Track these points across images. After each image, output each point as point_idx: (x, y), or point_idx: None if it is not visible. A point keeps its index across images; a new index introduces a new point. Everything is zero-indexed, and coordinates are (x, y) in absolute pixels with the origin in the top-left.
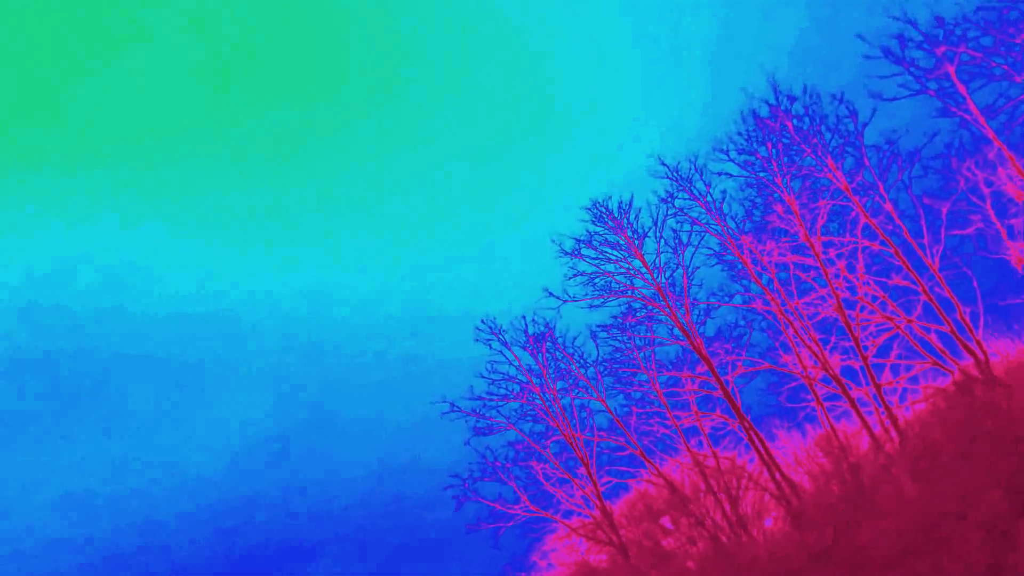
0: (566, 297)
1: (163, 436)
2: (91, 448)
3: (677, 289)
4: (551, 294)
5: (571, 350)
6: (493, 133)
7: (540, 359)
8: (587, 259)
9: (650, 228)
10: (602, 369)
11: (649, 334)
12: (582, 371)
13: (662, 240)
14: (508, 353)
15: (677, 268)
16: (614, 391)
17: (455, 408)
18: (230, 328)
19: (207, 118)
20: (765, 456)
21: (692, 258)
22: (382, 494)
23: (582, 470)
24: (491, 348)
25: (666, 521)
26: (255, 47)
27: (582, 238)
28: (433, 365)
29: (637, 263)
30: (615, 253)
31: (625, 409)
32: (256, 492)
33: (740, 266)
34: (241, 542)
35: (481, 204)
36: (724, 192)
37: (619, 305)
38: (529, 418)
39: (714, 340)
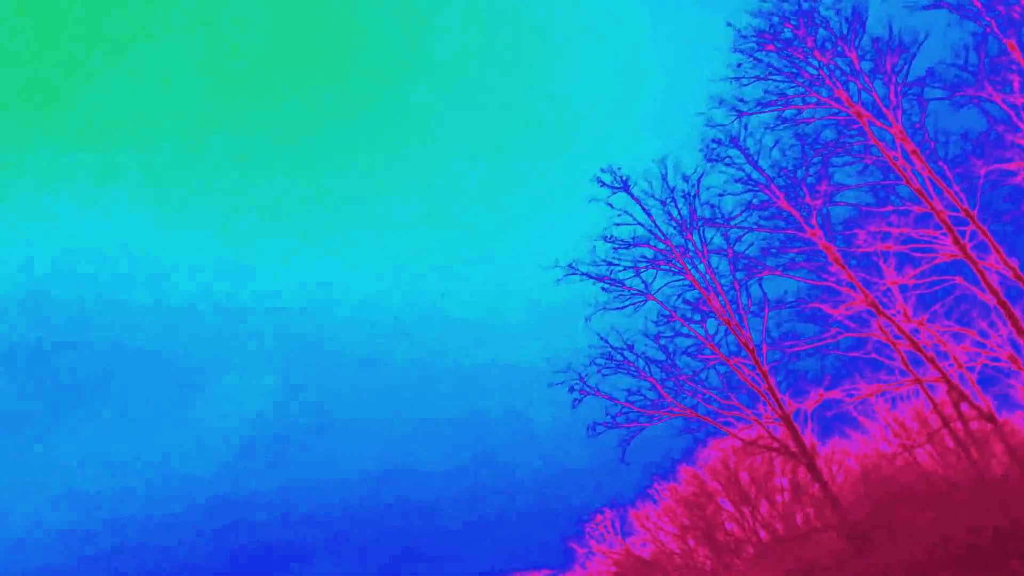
0: (743, 108)
1: (163, 435)
2: (91, 446)
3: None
4: (723, 103)
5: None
6: (497, 132)
7: (682, 211)
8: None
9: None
10: (811, 190)
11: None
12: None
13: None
14: (638, 209)
15: (900, 69)
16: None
17: (575, 271)
18: (231, 327)
19: (210, 116)
20: None
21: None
22: (382, 498)
23: (746, 359)
24: (612, 207)
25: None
26: (257, 45)
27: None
28: (435, 368)
29: (821, 87)
30: (797, 67)
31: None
32: (255, 492)
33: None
34: (240, 541)
35: (486, 205)
36: None
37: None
38: (671, 288)
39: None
